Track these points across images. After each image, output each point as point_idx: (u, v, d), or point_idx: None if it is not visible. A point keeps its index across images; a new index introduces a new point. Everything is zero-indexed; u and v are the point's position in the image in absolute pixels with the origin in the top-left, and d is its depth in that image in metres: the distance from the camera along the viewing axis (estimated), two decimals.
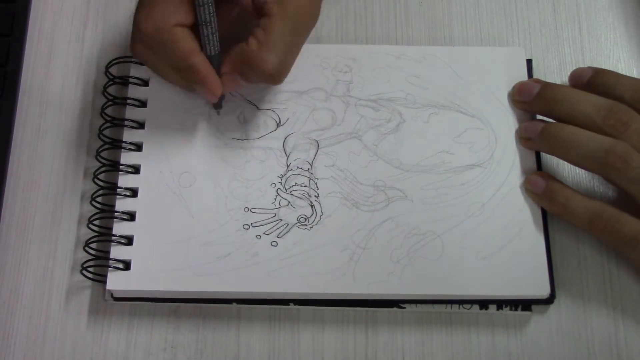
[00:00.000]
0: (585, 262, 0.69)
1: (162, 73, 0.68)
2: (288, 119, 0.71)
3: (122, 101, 0.71)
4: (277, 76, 0.64)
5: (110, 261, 0.66)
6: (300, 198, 0.68)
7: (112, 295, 0.67)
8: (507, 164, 0.70)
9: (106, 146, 0.70)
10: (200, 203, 0.68)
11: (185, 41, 0.63)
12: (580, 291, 0.68)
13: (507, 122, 0.71)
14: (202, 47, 0.65)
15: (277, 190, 0.69)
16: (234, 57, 0.65)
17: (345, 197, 0.68)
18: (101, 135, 0.70)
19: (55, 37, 0.76)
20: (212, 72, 0.65)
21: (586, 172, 0.71)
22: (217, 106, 0.70)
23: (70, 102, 0.74)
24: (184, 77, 0.66)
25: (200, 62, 0.64)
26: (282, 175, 0.69)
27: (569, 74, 0.73)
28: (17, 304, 0.68)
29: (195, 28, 0.64)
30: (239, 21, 0.70)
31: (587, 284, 0.69)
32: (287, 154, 0.70)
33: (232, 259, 0.66)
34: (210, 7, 0.62)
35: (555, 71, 0.76)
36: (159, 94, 0.71)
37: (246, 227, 0.67)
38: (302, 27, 0.65)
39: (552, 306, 0.68)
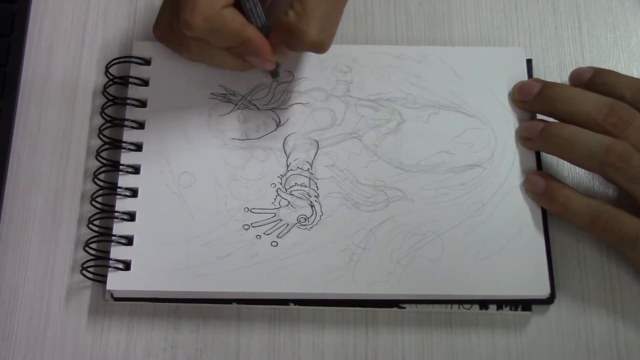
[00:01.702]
0: (585, 262, 0.69)
1: (217, 60, 0.69)
2: (288, 119, 0.71)
3: (122, 101, 0.71)
4: (320, 45, 0.64)
5: (110, 261, 0.66)
6: (300, 198, 0.68)
7: (112, 295, 0.67)
8: (507, 164, 0.70)
9: (106, 146, 0.70)
10: (200, 203, 0.68)
11: (235, 19, 0.64)
12: (580, 291, 0.68)
13: (507, 122, 0.71)
14: (249, 21, 0.65)
15: (277, 191, 0.69)
16: (277, 30, 0.66)
17: (345, 197, 0.68)
18: (101, 136, 0.70)
19: (55, 37, 0.76)
20: (264, 40, 0.66)
21: (586, 171, 0.71)
22: (275, 74, 0.72)
23: (70, 102, 0.74)
24: (240, 53, 0.67)
25: (253, 33, 0.65)
26: (282, 176, 0.69)
27: (569, 73, 0.73)
28: (17, 304, 0.68)
29: (237, 5, 0.65)
30: None
31: (587, 284, 0.69)
32: (287, 154, 0.70)
33: (232, 259, 0.66)
34: None
35: (555, 71, 0.76)
36: (159, 94, 0.71)
37: (246, 227, 0.67)
38: None
39: (552, 306, 0.68)
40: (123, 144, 0.70)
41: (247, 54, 0.66)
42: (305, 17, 0.63)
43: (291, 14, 0.63)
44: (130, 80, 0.72)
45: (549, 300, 0.67)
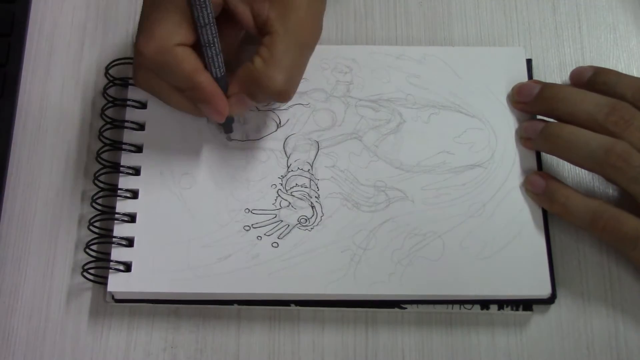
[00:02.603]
0: (585, 262, 0.69)
1: (167, 98, 0.67)
2: (288, 120, 0.71)
3: (122, 102, 0.71)
4: (285, 93, 0.63)
5: (111, 263, 0.66)
6: (301, 199, 0.68)
7: (112, 296, 0.67)
8: (508, 164, 0.70)
9: (106, 148, 0.70)
10: (201, 204, 0.68)
11: (189, 60, 0.63)
12: (581, 291, 0.68)
13: (507, 122, 0.71)
14: (207, 69, 0.64)
15: (277, 191, 0.69)
16: (240, 77, 0.64)
17: (346, 198, 0.68)
18: (101, 137, 0.70)
19: (55, 37, 0.76)
20: (218, 90, 0.64)
21: (586, 171, 0.71)
22: (227, 129, 0.70)
23: (70, 102, 0.74)
24: (190, 98, 0.65)
25: (205, 80, 0.63)
26: (282, 176, 0.69)
27: (569, 73, 0.73)
28: (17, 304, 0.68)
29: (198, 48, 0.63)
30: (246, 44, 0.70)
31: (587, 284, 0.69)
32: (288, 154, 0.70)
33: (232, 261, 0.66)
34: (212, 28, 0.61)
35: (555, 71, 0.76)
36: None
37: (247, 228, 0.67)
38: (305, 42, 0.64)
39: (552, 306, 0.68)
40: (123, 146, 0.69)
41: (197, 100, 0.64)
42: (272, 64, 0.62)
43: (257, 61, 0.62)
44: (131, 81, 0.72)
45: (550, 300, 0.67)
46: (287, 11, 0.63)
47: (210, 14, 0.61)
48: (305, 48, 0.65)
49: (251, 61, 0.63)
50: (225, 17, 0.65)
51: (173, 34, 0.62)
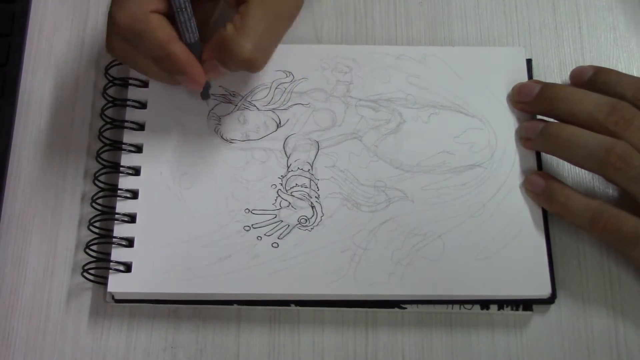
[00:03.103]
0: (585, 262, 0.69)
1: (141, 67, 0.66)
2: (288, 120, 0.71)
3: (122, 102, 0.71)
4: (253, 61, 0.63)
5: (111, 263, 0.66)
6: (301, 199, 0.68)
7: (112, 296, 0.67)
8: (508, 164, 0.70)
9: (106, 148, 0.70)
10: (201, 204, 0.68)
11: (162, 29, 0.62)
12: (581, 291, 0.68)
13: (507, 122, 0.71)
14: (181, 36, 0.63)
15: (277, 192, 0.69)
16: (212, 44, 0.64)
17: (346, 198, 0.68)
18: (101, 137, 0.70)
19: (55, 37, 0.76)
20: (193, 59, 0.63)
21: (586, 171, 0.71)
22: (205, 95, 0.70)
23: (70, 102, 0.74)
24: (164, 67, 0.64)
25: (179, 49, 0.62)
26: (282, 177, 0.69)
27: (569, 74, 0.73)
28: (17, 304, 0.68)
29: (172, 18, 0.63)
30: (225, 16, 0.69)
31: (587, 284, 0.69)
32: (288, 154, 0.70)
33: (232, 261, 0.66)
34: None
35: (555, 71, 0.76)
36: (159, 95, 0.71)
37: (247, 228, 0.67)
38: (281, 13, 0.64)
39: (552, 306, 0.68)
40: (123, 146, 0.69)
41: (172, 70, 0.64)
42: (242, 30, 0.62)
43: (229, 27, 0.62)
44: (130, 81, 0.72)
45: (550, 300, 0.67)
46: None
47: None
48: (280, 18, 0.64)
49: (224, 28, 0.62)
50: None
51: (146, 1, 0.61)
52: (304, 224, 0.68)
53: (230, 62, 0.63)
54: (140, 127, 0.70)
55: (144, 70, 0.66)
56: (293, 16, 0.65)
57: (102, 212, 0.68)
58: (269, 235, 0.67)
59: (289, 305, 0.67)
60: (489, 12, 0.78)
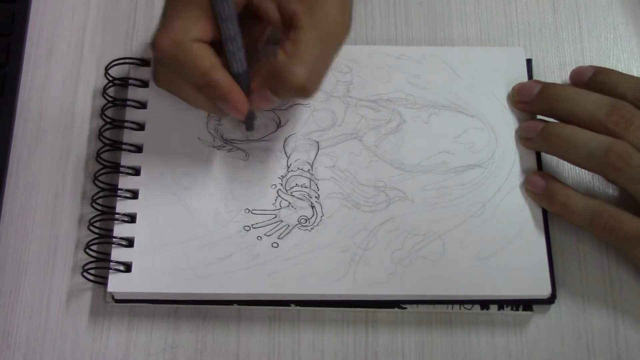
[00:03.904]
0: (586, 262, 0.69)
1: (185, 96, 0.65)
2: (288, 120, 0.71)
3: (122, 102, 0.71)
4: (306, 88, 0.61)
5: (111, 263, 0.66)
6: (301, 199, 0.68)
7: (112, 296, 0.67)
8: (508, 164, 0.70)
9: (106, 148, 0.70)
10: (201, 204, 0.68)
11: (205, 57, 0.61)
12: (581, 291, 0.68)
13: (507, 122, 0.71)
14: (229, 66, 0.62)
15: (277, 192, 0.69)
16: (262, 72, 0.63)
17: (346, 198, 0.68)
18: (101, 137, 0.70)
19: (55, 37, 0.76)
20: (235, 87, 0.62)
21: (586, 171, 0.71)
22: (249, 127, 0.70)
23: (70, 102, 0.74)
24: (207, 95, 0.63)
25: (221, 77, 0.61)
26: (282, 177, 0.69)
27: (569, 74, 0.73)
28: (17, 304, 0.68)
29: (219, 45, 0.62)
30: (272, 42, 0.68)
31: (587, 283, 0.69)
32: (288, 155, 0.70)
33: (233, 261, 0.66)
34: (234, 22, 0.60)
35: (555, 71, 0.76)
36: (159, 95, 0.70)
37: (247, 228, 0.67)
38: (332, 38, 0.63)
39: (552, 306, 0.68)
40: (123, 146, 0.69)
41: (214, 98, 0.63)
42: (295, 57, 0.60)
43: (280, 54, 0.61)
44: (130, 81, 0.72)
45: (550, 300, 0.67)
46: (314, 5, 0.61)
47: (231, 8, 0.59)
48: (332, 43, 0.63)
49: (274, 55, 0.61)
50: (250, 13, 0.64)
51: (190, 28, 0.61)
52: (304, 224, 0.68)
53: (283, 90, 0.62)
54: (140, 127, 0.70)
55: (187, 99, 0.66)
56: (342, 40, 0.64)
57: (102, 212, 0.68)
58: (269, 235, 0.67)
59: (289, 305, 0.67)
60: (489, 12, 0.78)
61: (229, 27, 0.60)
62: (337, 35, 0.63)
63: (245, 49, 0.62)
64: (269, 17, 0.63)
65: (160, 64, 0.65)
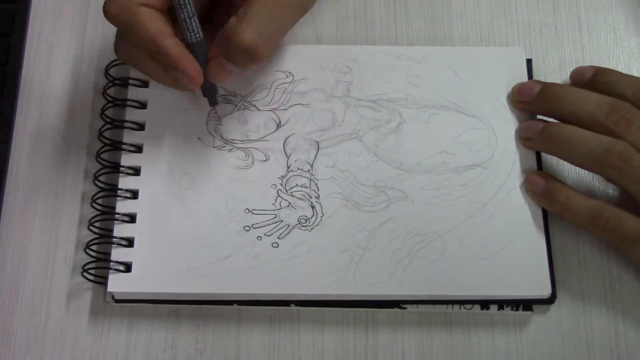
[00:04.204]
0: (586, 262, 0.69)
1: (143, 67, 0.65)
2: (288, 120, 0.71)
3: (122, 102, 0.71)
4: (254, 49, 0.62)
5: (111, 263, 0.66)
6: (301, 199, 0.68)
7: (112, 296, 0.67)
8: (508, 164, 0.70)
9: (106, 148, 0.70)
10: (201, 204, 0.68)
11: (153, 22, 0.61)
12: (581, 291, 0.68)
13: (507, 122, 0.71)
14: (183, 35, 0.62)
15: (277, 192, 0.69)
16: (217, 40, 0.63)
17: (346, 198, 0.68)
18: (101, 137, 0.70)
19: (55, 37, 0.76)
20: (187, 54, 0.62)
21: (586, 171, 0.71)
22: (211, 101, 0.69)
23: (70, 102, 0.74)
24: (159, 63, 0.63)
25: (171, 44, 0.61)
26: (282, 177, 0.69)
27: (569, 74, 0.73)
28: (17, 304, 0.68)
29: (171, 14, 0.62)
30: None
31: (587, 284, 0.69)
32: (288, 155, 0.70)
33: (233, 261, 0.66)
34: None
35: (555, 71, 0.76)
36: (159, 95, 0.71)
37: (247, 228, 0.67)
38: (287, 3, 0.63)
39: (552, 306, 0.68)
40: (123, 146, 0.69)
41: (166, 66, 0.62)
42: (243, 20, 0.61)
43: (232, 19, 0.62)
44: (130, 81, 0.72)
45: (550, 300, 0.67)
46: None
47: None
48: (286, 7, 0.64)
49: (227, 21, 0.62)
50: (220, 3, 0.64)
51: None
52: (304, 224, 0.68)
53: (233, 52, 0.62)
54: (140, 127, 0.70)
55: (146, 71, 0.66)
56: (297, 5, 0.64)
57: (102, 212, 0.68)
58: (269, 235, 0.67)
59: (289, 305, 0.67)
60: (489, 12, 0.78)
61: None
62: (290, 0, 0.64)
63: (213, 32, 0.63)
64: None
65: (119, 35, 0.65)
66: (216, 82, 0.67)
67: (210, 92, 0.68)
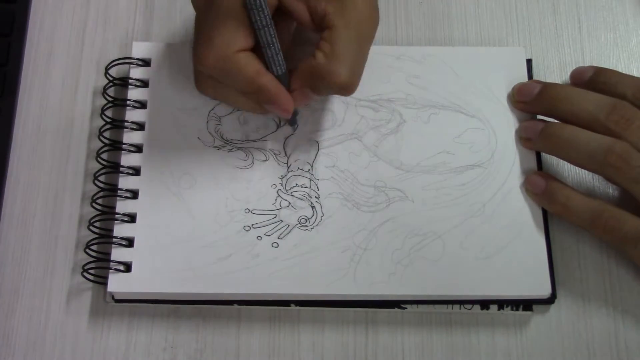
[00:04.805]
0: (586, 262, 0.69)
1: (232, 101, 0.68)
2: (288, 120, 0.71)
3: (122, 102, 0.71)
4: (349, 86, 0.64)
5: (111, 263, 0.66)
6: (301, 199, 0.68)
7: (112, 296, 0.67)
8: (508, 164, 0.70)
9: (106, 148, 0.70)
10: (201, 204, 0.68)
11: (250, 65, 0.63)
12: (581, 291, 0.68)
13: (507, 122, 0.71)
14: (268, 68, 0.64)
15: (277, 192, 0.69)
16: (302, 73, 0.65)
17: (346, 198, 0.68)
18: (101, 137, 0.70)
19: (55, 37, 0.76)
20: (282, 89, 0.64)
21: (586, 171, 0.71)
22: (293, 122, 0.70)
23: (70, 102, 0.74)
24: (255, 100, 0.66)
25: (268, 81, 0.64)
26: (282, 177, 0.69)
27: (569, 74, 0.73)
28: (17, 304, 0.68)
29: (256, 49, 0.63)
30: (298, 36, 0.70)
31: (588, 284, 0.69)
32: (288, 155, 0.70)
33: (233, 261, 0.66)
34: (271, 29, 0.62)
35: (556, 71, 0.76)
36: (159, 95, 0.71)
37: (247, 228, 0.67)
38: (365, 34, 0.65)
39: (552, 306, 0.68)
40: (123, 146, 0.69)
41: (262, 101, 0.65)
42: (334, 58, 0.62)
43: (319, 56, 0.63)
44: (130, 81, 0.72)
45: (550, 300, 0.67)
46: (344, 5, 0.63)
47: (267, 16, 0.61)
48: (366, 40, 0.65)
49: (313, 56, 0.63)
50: (278, 15, 0.65)
51: (232, 41, 0.62)
52: (304, 224, 0.68)
53: (327, 89, 0.64)
54: (140, 127, 0.70)
55: (235, 104, 0.68)
56: (373, 34, 0.66)
57: (102, 212, 0.68)
58: (269, 235, 0.67)
59: (289, 305, 0.67)
60: (489, 12, 0.78)
61: (267, 33, 0.62)
62: (369, 30, 0.65)
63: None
64: (299, 18, 0.65)
65: (204, 76, 0.66)
66: (297, 107, 0.68)
67: (292, 115, 0.68)
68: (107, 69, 0.71)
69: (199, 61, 0.63)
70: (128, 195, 0.68)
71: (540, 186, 0.68)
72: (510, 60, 0.74)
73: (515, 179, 0.70)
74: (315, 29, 0.65)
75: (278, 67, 0.64)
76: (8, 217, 0.70)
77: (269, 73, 0.64)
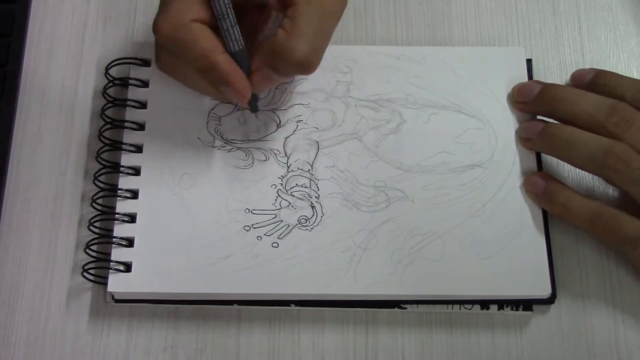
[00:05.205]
0: (585, 262, 0.69)
1: (189, 81, 0.66)
2: (288, 120, 0.71)
3: (122, 102, 0.71)
4: (307, 63, 0.62)
5: (111, 263, 0.66)
6: (301, 199, 0.68)
7: (112, 296, 0.67)
8: (508, 164, 0.70)
9: (106, 148, 0.70)
10: (201, 204, 0.68)
11: (205, 38, 0.61)
12: (581, 291, 0.68)
13: (507, 122, 0.71)
14: (225, 44, 0.63)
15: (277, 192, 0.69)
16: (262, 52, 0.63)
17: (346, 198, 0.68)
18: (101, 137, 0.70)
19: (55, 37, 0.76)
20: (237, 69, 0.63)
21: (586, 172, 0.71)
22: (253, 108, 0.69)
23: (70, 102, 0.73)
24: (209, 79, 0.63)
25: (222, 60, 0.62)
26: (282, 177, 0.69)
27: (569, 74, 0.73)
28: (17, 304, 0.68)
29: (216, 28, 0.62)
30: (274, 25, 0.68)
31: (587, 284, 0.69)
32: (288, 155, 0.70)
33: (233, 261, 0.66)
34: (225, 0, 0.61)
35: (556, 71, 0.76)
36: (159, 95, 0.71)
37: (247, 228, 0.67)
38: (329, 12, 0.63)
39: (552, 306, 0.68)
40: (123, 146, 0.69)
41: (216, 82, 0.63)
42: (294, 35, 0.61)
43: (279, 32, 0.61)
44: (130, 81, 0.72)
45: (550, 300, 0.67)
46: None
47: None
48: (329, 17, 0.63)
49: (274, 35, 0.62)
50: (251, 5, 0.65)
51: (187, 9, 0.61)
52: (304, 224, 0.68)
53: (285, 66, 0.62)
54: (140, 127, 0.70)
55: (192, 85, 0.66)
56: (339, 14, 0.64)
57: (102, 212, 0.68)
58: (269, 235, 0.67)
59: (289, 305, 0.67)
60: (489, 12, 0.78)
61: (221, 3, 0.61)
62: (333, 7, 0.64)
63: (244, 34, 0.63)
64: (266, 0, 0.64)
65: (162, 48, 0.65)
66: (258, 92, 0.67)
67: (252, 100, 0.68)
68: (107, 69, 0.72)
69: (154, 29, 0.62)
70: (128, 195, 0.68)
71: (540, 187, 0.68)
72: (510, 60, 0.74)
73: (515, 179, 0.69)
74: (280, 8, 0.63)
75: (233, 42, 0.62)
76: (8, 217, 0.70)
77: (227, 54, 0.62)
